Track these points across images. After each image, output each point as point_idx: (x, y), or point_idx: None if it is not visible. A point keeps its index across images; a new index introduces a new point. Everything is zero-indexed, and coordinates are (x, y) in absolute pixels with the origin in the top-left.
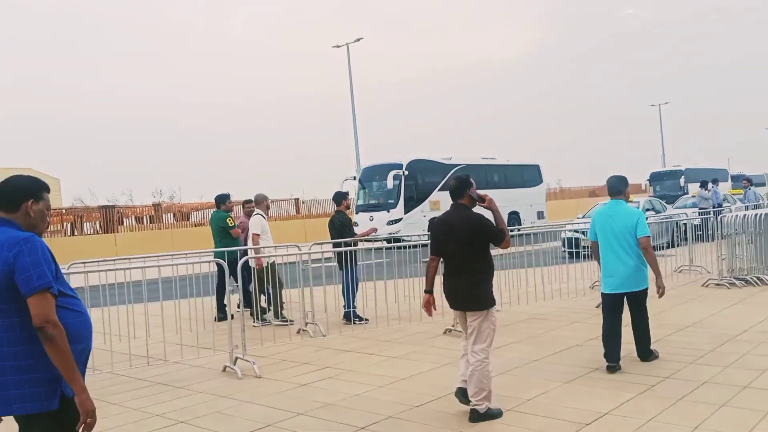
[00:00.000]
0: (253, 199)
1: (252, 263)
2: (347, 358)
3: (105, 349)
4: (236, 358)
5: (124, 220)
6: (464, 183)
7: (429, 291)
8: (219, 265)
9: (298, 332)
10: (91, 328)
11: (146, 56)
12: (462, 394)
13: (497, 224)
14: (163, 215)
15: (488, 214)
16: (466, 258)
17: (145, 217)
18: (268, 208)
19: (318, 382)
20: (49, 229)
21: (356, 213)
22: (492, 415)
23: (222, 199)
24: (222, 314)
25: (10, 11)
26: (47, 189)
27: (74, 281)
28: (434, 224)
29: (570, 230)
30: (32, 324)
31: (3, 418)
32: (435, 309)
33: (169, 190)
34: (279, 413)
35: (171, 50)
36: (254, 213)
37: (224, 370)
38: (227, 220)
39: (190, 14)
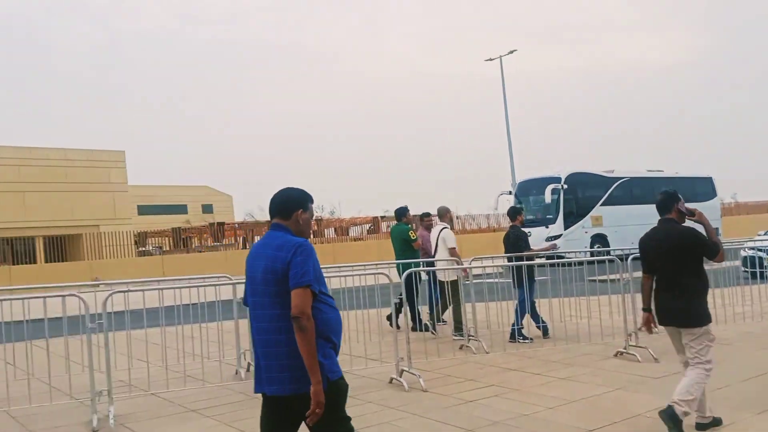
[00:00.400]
0: (429, 212)
1: (443, 276)
2: (512, 377)
3: None
4: (402, 370)
5: None
6: (672, 197)
7: (647, 309)
8: (407, 277)
9: (460, 348)
10: (341, 324)
11: (304, 76)
12: (668, 416)
13: (710, 238)
14: (324, 230)
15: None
16: (678, 273)
17: None
18: (451, 220)
19: (484, 400)
20: (223, 242)
21: None
22: None
23: (402, 212)
24: (415, 324)
25: (189, 44)
26: (312, 200)
27: None
28: (642, 240)
29: (750, 248)
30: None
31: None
32: (656, 326)
33: (329, 206)
34: (448, 428)
35: (328, 70)
36: (442, 227)
37: (391, 381)
38: (409, 233)
39: (346, 36)
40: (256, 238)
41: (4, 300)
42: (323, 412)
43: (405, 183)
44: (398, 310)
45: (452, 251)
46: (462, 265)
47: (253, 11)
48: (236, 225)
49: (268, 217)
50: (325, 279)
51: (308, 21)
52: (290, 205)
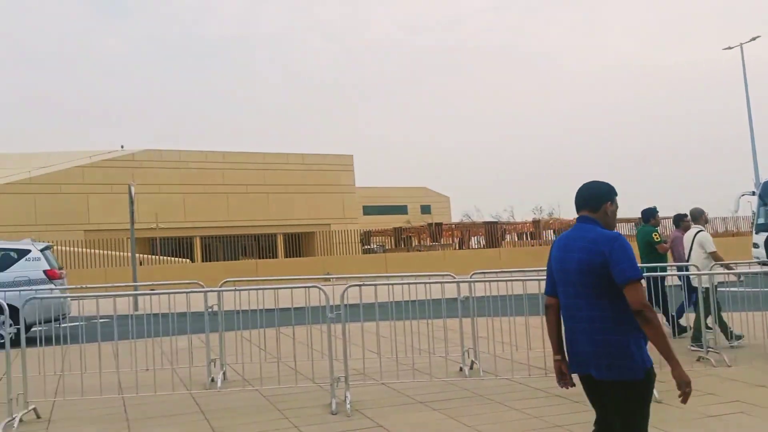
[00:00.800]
0: (686, 214)
1: (699, 282)
2: (762, 394)
3: (505, 358)
4: None
5: (506, 235)
6: None
7: None
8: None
9: (698, 360)
10: None
11: (523, 76)
12: None
13: None
14: (543, 231)
15: None
16: None
17: (525, 234)
18: (706, 222)
19: (728, 416)
20: (441, 242)
21: (756, 233)
22: None
23: (651, 214)
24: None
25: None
26: (617, 193)
27: (479, 289)
28: None
29: None
30: (620, 307)
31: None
32: None
33: (548, 207)
34: None
35: (547, 69)
36: (697, 230)
37: None
38: (653, 235)
39: (564, 34)
40: (473, 239)
41: (259, 289)
42: (636, 397)
43: (629, 183)
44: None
45: (714, 255)
46: (731, 269)
47: (471, 15)
48: (453, 225)
49: (484, 218)
50: (539, 282)
51: (526, 21)
52: (599, 197)
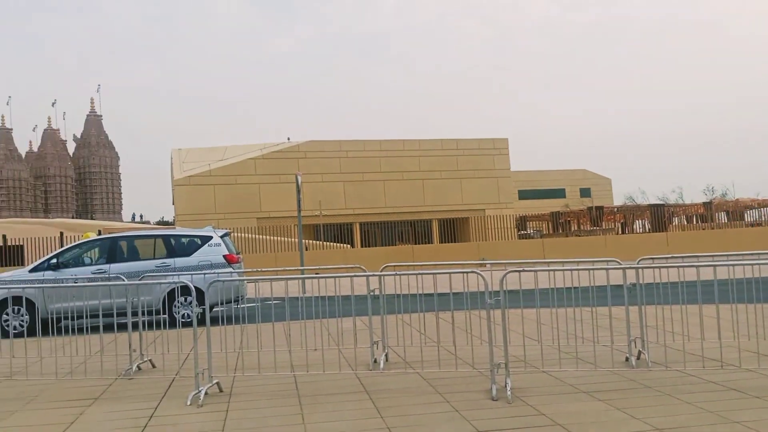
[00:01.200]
0: None
1: None
2: None
3: (676, 348)
4: None
5: (674, 218)
6: None
7: None
8: None
9: None
10: None
11: (685, 48)
12: None
13: None
14: (715, 214)
15: None
16: None
17: (695, 216)
18: None
19: None
20: (602, 226)
21: None
22: None
23: None
24: None
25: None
26: None
27: (647, 276)
28: None
29: None
30: None
31: None
32: None
33: (721, 188)
34: None
35: (716, 38)
36: None
37: None
38: None
39: (732, 2)
40: (638, 223)
41: (418, 274)
42: None
43: None
44: None
45: None
46: None
47: None
48: (615, 209)
49: (649, 201)
50: (715, 268)
51: None
52: None
